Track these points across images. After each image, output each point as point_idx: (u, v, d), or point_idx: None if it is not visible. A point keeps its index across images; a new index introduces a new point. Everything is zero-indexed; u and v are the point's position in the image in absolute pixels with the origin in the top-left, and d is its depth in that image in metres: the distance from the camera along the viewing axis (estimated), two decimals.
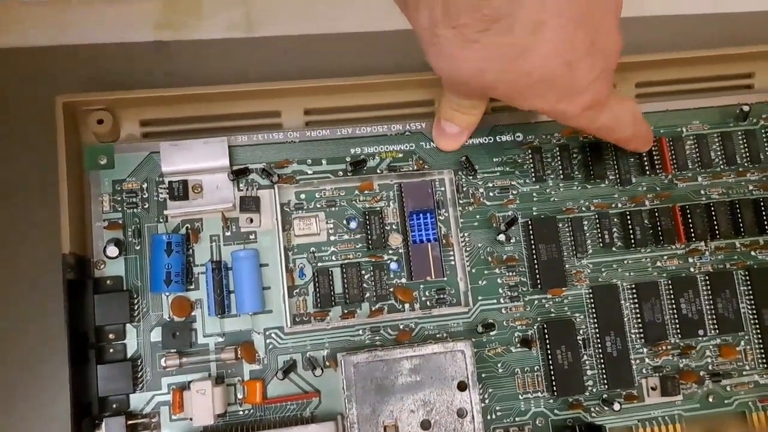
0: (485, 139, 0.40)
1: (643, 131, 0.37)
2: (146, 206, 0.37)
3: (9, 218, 0.38)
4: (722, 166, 0.41)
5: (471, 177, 0.39)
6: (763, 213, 0.40)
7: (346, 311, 0.37)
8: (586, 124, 0.33)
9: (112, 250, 0.35)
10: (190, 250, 0.37)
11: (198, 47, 0.41)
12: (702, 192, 0.41)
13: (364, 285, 0.37)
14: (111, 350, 0.35)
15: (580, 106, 0.31)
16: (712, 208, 0.40)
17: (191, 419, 0.34)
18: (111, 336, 0.35)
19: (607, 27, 0.30)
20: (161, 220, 0.37)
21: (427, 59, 0.30)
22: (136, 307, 0.36)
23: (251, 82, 0.37)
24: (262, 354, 0.36)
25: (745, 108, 0.41)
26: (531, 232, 0.38)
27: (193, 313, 0.36)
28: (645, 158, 0.40)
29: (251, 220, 0.37)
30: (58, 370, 0.36)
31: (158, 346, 0.35)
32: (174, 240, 0.35)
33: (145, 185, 0.37)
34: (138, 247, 0.36)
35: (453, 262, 0.38)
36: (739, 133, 0.41)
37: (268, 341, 0.36)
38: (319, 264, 0.37)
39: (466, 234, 0.38)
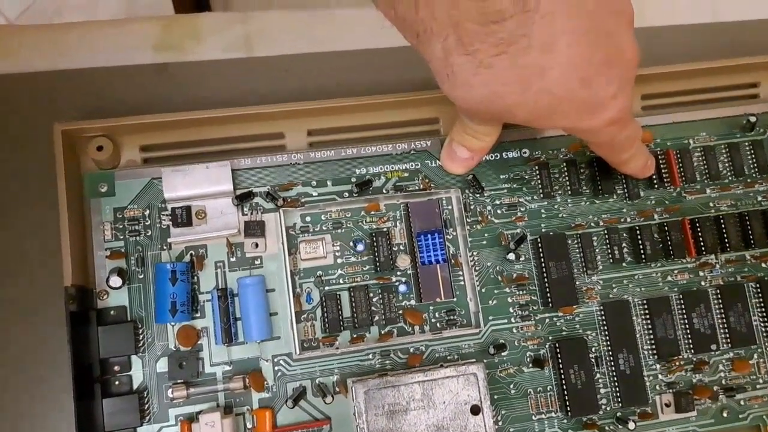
0: (492, 156, 0.39)
1: (645, 153, 0.37)
2: (149, 234, 0.36)
3: (9, 247, 0.38)
4: (730, 178, 0.41)
5: (478, 195, 0.39)
6: None
7: (355, 335, 0.36)
8: (607, 139, 0.33)
9: (116, 281, 0.35)
10: (195, 278, 0.36)
11: (198, 69, 0.41)
12: (711, 204, 0.40)
13: (373, 308, 0.37)
14: (116, 383, 0.34)
15: (604, 122, 0.31)
16: (722, 221, 0.39)
17: None
18: (116, 368, 0.34)
19: (620, 40, 0.29)
20: (165, 248, 0.36)
21: (443, 90, 0.29)
22: (141, 337, 0.35)
23: (252, 105, 0.37)
24: (271, 382, 0.35)
25: (752, 119, 0.40)
26: (540, 249, 0.38)
27: (199, 342, 0.35)
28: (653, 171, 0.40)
29: (256, 245, 0.36)
30: (63, 406, 0.35)
31: (165, 377, 0.35)
32: (179, 269, 0.35)
33: (147, 212, 0.36)
34: (141, 276, 0.35)
35: (462, 283, 0.38)
36: (747, 143, 0.41)
37: (276, 368, 0.36)
38: (327, 288, 0.37)
39: (474, 253, 0.38)
